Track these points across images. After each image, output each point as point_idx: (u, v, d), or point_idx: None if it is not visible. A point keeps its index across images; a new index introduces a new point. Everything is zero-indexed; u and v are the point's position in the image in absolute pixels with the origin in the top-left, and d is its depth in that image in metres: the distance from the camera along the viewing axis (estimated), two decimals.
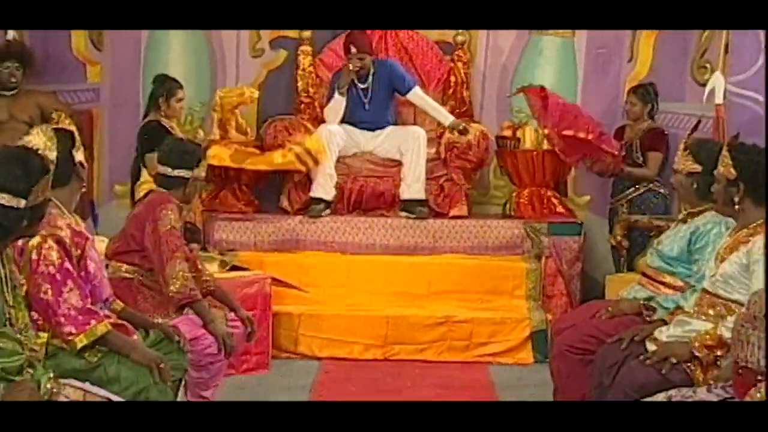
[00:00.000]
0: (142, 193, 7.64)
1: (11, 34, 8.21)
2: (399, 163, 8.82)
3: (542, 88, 8.71)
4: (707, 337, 4.61)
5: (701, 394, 4.27)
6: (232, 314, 5.82)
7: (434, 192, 8.85)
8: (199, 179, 5.84)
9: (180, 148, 6.03)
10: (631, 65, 9.29)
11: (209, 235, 8.53)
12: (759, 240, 4.59)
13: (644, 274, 5.75)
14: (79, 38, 9.03)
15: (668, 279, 5.53)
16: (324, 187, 8.70)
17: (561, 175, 9.07)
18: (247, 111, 9.32)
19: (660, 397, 4.38)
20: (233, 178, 8.74)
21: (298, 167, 8.58)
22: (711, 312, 4.78)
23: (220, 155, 8.23)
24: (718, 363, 4.55)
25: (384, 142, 8.90)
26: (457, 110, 9.34)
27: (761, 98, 7.06)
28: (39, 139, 3.88)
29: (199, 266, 5.95)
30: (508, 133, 9.18)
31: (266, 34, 9.63)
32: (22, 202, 3.68)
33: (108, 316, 4.66)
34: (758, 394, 3.66)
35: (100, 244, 5.79)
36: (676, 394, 4.35)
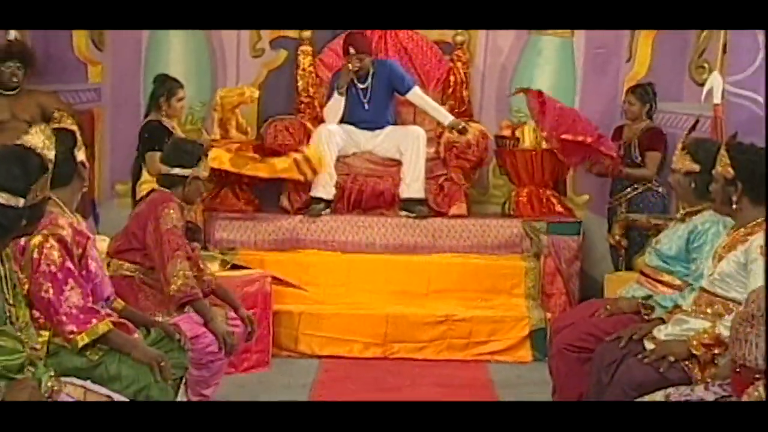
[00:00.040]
0: (142, 193, 7.66)
1: (13, 34, 8.19)
2: (398, 163, 8.83)
3: (540, 93, 8.73)
4: (705, 335, 4.63)
5: (699, 392, 4.26)
6: (233, 313, 5.84)
7: (434, 191, 8.86)
8: (199, 178, 5.84)
9: (179, 147, 6.07)
10: (629, 65, 9.30)
11: (210, 234, 8.54)
12: (757, 239, 4.61)
13: (643, 273, 5.76)
14: (80, 38, 9.04)
15: (666, 278, 5.55)
16: (324, 187, 8.71)
17: (560, 174, 9.08)
18: (248, 111, 9.33)
19: (658, 395, 4.37)
20: (234, 177, 8.73)
21: (297, 176, 8.59)
22: (709, 310, 4.80)
23: (220, 158, 8.23)
24: (716, 361, 4.57)
25: (384, 141, 8.91)
26: (457, 110, 9.36)
27: (759, 98, 7.04)
28: (38, 138, 3.87)
29: (201, 265, 5.97)
30: (507, 132, 9.20)
31: (266, 34, 9.66)
32: (21, 201, 3.69)
33: (109, 315, 4.65)
34: (756, 393, 3.66)
35: (101, 243, 5.83)
36: (674, 393, 4.34)
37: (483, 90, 9.78)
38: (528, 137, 9.02)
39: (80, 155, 4.68)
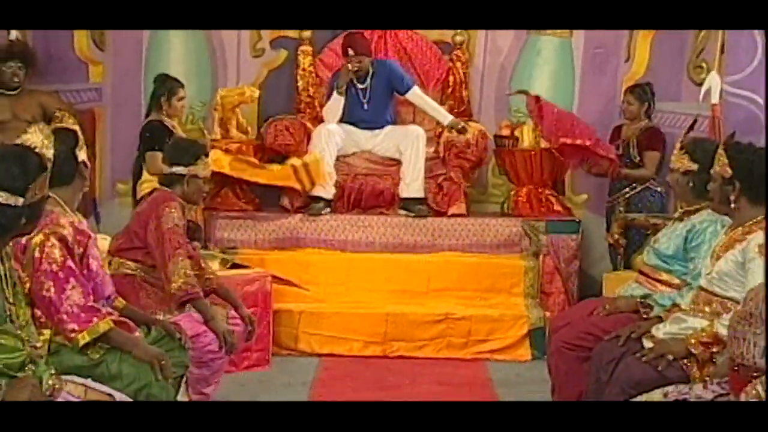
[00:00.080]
0: (143, 192, 7.70)
1: (14, 34, 8.21)
2: (398, 162, 8.85)
3: (537, 98, 8.77)
4: (703, 334, 4.65)
5: (697, 391, 4.26)
6: (233, 312, 5.84)
7: (433, 190, 8.87)
8: (197, 176, 5.84)
9: (178, 145, 6.10)
10: (628, 65, 9.31)
11: (210, 233, 8.55)
12: (755, 238, 4.62)
13: (641, 272, 5.77)
14: (81, 38, 9.05)
15: (665, 277, 5.55)
16: (324, 186, 8.72)
17: (559, 173, 9.08)
18: (248, 110, 9.34)
19: (656, 393, 4.37)
20: (234, 177, 8.73)
21: (295, 185, 8.61)
22: (707, 309, 4.81)
23: (220, 161, 8.23)
24: (714, 360, 4.58)
25: (383, 141, 8.93)
26: (456, 110, 9.37)
27: (757, 98, 7.06)
28: (36, 137, 3.87)
29: (202, 264, 5.98)
30: (506, 132, 9.21)
31: (267, 34, 9.68)
32: (20, 200, 3.68)
33: (110, 314, 4.66)
34: (754, 391, 3.65)
35: (102, 241, 5.82)
36: (672, 391, 4.33)
37: (482, 90, 9.79)
38: (527, 137, 9.02)
39: (82, 155, 4.68)
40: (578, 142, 8.37)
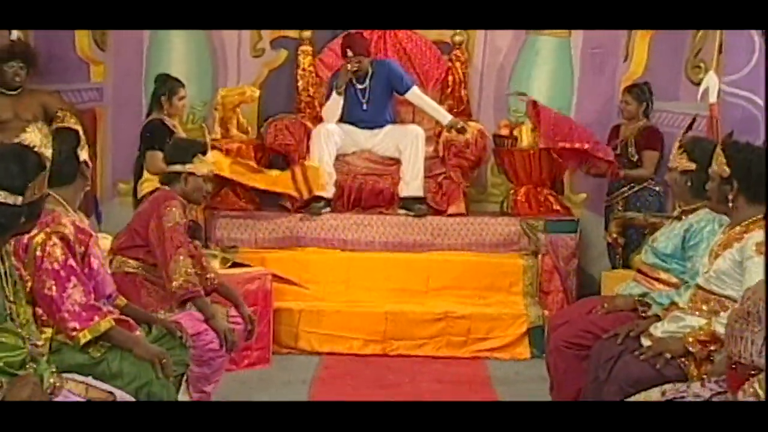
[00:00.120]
0: (144, 191, 7.72)
1: (15, 34, 8.22)
2: (398, 162, 8.86)
3: (534, 102, 8.80)
4: (701, 332, 4.66)
5: (695, 389, 4.27)
6: (233, 311, 5.85)
7: (432, 190, 8.89)
8: (195, 174, 5.85)
9: (176, 144, 6.14)
10: (626, 65, 9.32)
11: (211, 232, 8.56)
12: (752, 237, 4.63)
13: (639, 271, 5.77)
14: (82, 38, 9.05)
15: (663, 275, 5.55)
16: (324, 186, 8.75)
17: (557, 173, 9.08)
18: (248, 110, 9.36)
19: (654, 391, 4.38)
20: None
21: (292, 192, 8.64)
22: (705, 308, 4.82)
23: (220, 163, 8.21)
24: (712, 358, 4.59)
25: (383, 140, 8.94)
26: (455, 109, 9.39)
27: (755, 97, 7.08)
28: (35, 136, 3.84)
29: (204, 263, 5.98)
30: (505, 131, 9.21)
31: (267, 34, 9.69)
32: (19, 199, 3.68)
33: (111, 312, 4.66)
34: (751, 389, 3.65)
35: (104, 241, 5.83)
36: (670, 389, 4.35)
37: (481, 89, 9.80)
38: (526, 136, 9.02)
39: (83, 154, 4.69)
40: (577, 145, 8.40)
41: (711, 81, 7.39)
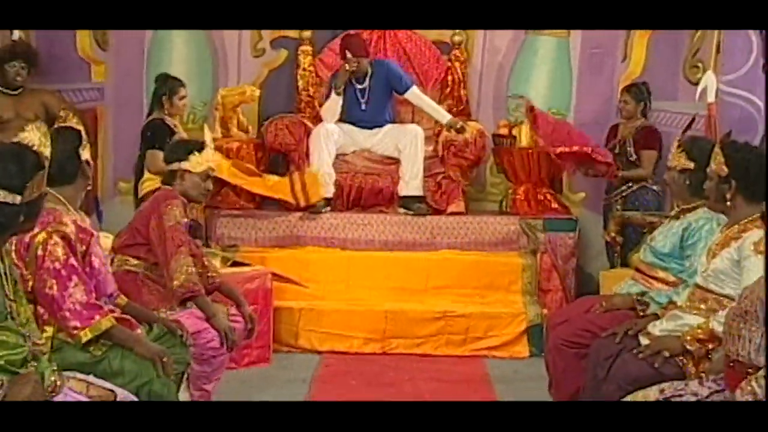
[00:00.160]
0: (144, 190, 7.73)
1: (17, 34, 8.24)
2: (397, 161, 8.88)
3: (532, 108, 8.84)
4: (699, 331, 4.66)
5: (693, 387, 4.24)
6: (233, 309, 5.84)
7: (432, 189, 8.91)
8: (190, 172, 5.83)
9: (173, 144, 6.16)
10: (624, 65, 9.34)
11: (211, 231, 8.58)
12: (750, 236, 4.64)
13: (638, 270, 5.77)
14: (83, 38, 9.08)
15: (661, 274, 5.55)
16: (323, 185, 8.77)
17: (556, 172, 9.10)
18: (249, 109, 9.38)
19: (653, 389, 4.34)
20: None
21: (289, 199, 8.66)
22: (703, 306, 4.82)
23: (220, 167, 8.22)
24: (710, 356, 4.60)
25: (382, 139, 8.96)
26: (455, 109, 9.41)
27: (752, 97, 7.11)
28: (34, 136, 3.83)
29: (206, 262, 5.98)
30: (504, 131, 9.24)
31: (267, 34, 9.71)
32: (18, 198, 3.68)
33: (112, 311, 4.66)
34: (749, 387, 3.65)
35: (105, 240, 5.82)
36: (668, 387, 4.31)
37: (480, 89, 9.82)
38: (525, 136, 9.04)
39: (85, 154, 4.69)
40: (576, 149, 8.42)
41: (709, 81, 7.41)
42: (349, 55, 8.76)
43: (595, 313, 5.59)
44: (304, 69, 9.52)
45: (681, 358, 4.71)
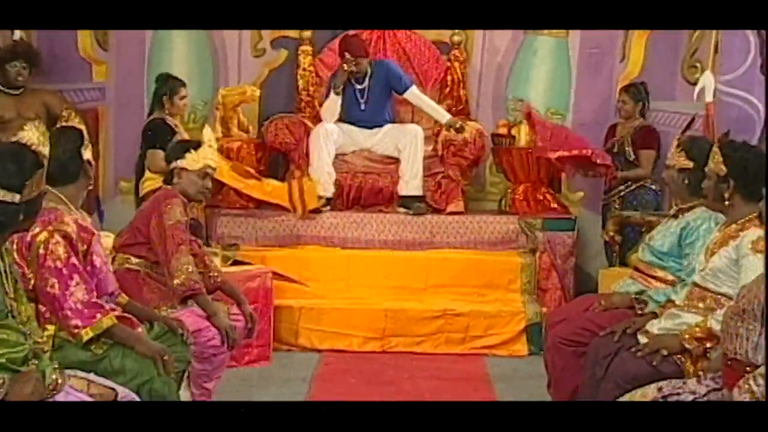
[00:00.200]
0: (145, 190, 7.75)
1: (18, 34, 8.25)
2: (397, 161, 8.90)
3: (529, 114, 8.87)
4: (697, 329, 4.67)
5: (691, 385, 4.25)
6: (234, 308, 5.86)
7: (431, 188, 8.93)
8: (187, 170, 5.85)
9: (173, 143, 6.18)
10: (623, 65, 9.36)
11: (212, 230, 8.60)
12: (748, 235, 4.65)
13: (636, 269, 5.79)
14: (85, 38, 9.09)
15: (659, 273, 5.57)
16: (323, 185, 8.78)
17: (555, 172, 9.12)
18: (249, 109, 9.40)
19: (651, 388, 4.34)
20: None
21: (286, 205, 8.67)
22: (701, 305, 4.84)
23: (219, 169, 8.23)
24: (708, 355, 4.61)
25: (382, 139, 8.97)
26: (454, 108, 9.42)
27: (750, 97, 7.12)
28: (32, 135, 3.85)
29: (207, 262, 6.01)
30: (503, 131, 9.25)
31: (267, 34, 9.73)
32: (17, 197, 3.69)
33: (113, 310, 4.66)
34: (746, 385, 3.66)
35: (106, 239, 5.83)
36: (666, 386, 4.32)
37: (480, 89, 9.83)
38: (524, 136, 9.06)
39: (87, 153, 4.70)
40: (575, 152, 8.45)
41: (707, 81, 7.42)
42: (348, 55, 8.77)
43: (593, 312, 5.61)
44: (304, 69, 9.52)
45: (679, 356, 4.71)
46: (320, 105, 9.21)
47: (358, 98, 8.94)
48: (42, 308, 4.50)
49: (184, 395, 5.36)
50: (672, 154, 5.50)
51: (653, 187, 8.26)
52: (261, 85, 9.56)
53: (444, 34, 9.67)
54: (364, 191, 8.92)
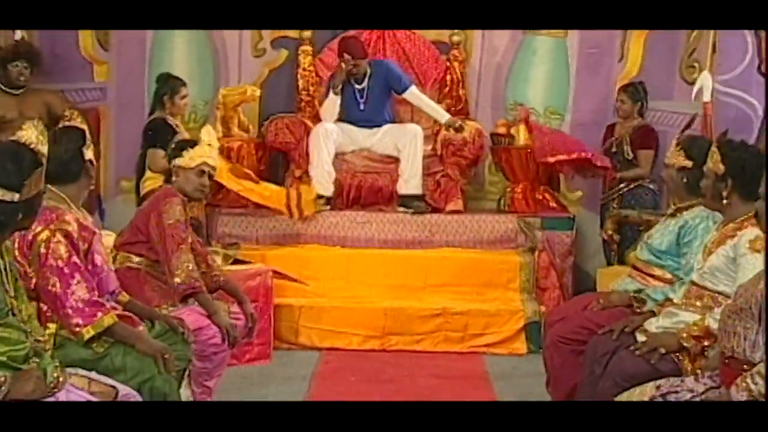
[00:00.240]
0: (146, 189, 7.77)
1: (19, 34, 8.25)
2: (396, 160, 8.90)
3: (527, 119, 8.90)
4: (695, 328, 4.67)
5: (689, 384, 4.27)
6: (234, 307, 5.86)
7: (431, 187, 8.94)
8: (184, 168, 5.86)
9: (173, 144, 6.20)
10: (621, 64, 9.37)
11: (212, 229, 8.60)
12: (745, 234, 4.65)
13: (634, 267, 5.78)
14: (86, 38, 9.11)
15: (657, 272, 5.58)
16: (323, 184, 8.79)
17: (554, 171, 9.13)
18: (249, 109, 9.40)
19: (649, 386, 4.37)
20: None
21: (283, 210, 8.67)
22: (698, 304, 4.84)
23: (219, 170, 8.25)
24: (706, 353, 4.61)
25: (382, 139, 8.97)
26: (453, 108, 9.42)
27: (747, 96, 7.14)
28: (31, 134, 3.82)
29: (210, 261, 6.02)
30: (502, 130, 9.25)
31: (268, 34, 9.73)
32: (16, 196, 3.69)
33: (114, 308, 4.68)
34: (744, 383, 3.69)
35: (107, 238, 5.83)
36: (664, 384, 4.34)
37: (479, 89, 9.83)
38: (523, 135, 9.05)
39: (88, 153, 4.70)
40: (574, 156, 8.47)
41: (705, 80, 7.44)
42: (347, 56, 8.79)
43: (592, 311, 5.62)
44: (304, 69, 9.52)
45: (677, 354, 4.71)
46: (320, 105, 9.21)
47: (357, 98, 8.95)
48: (43, 307, 4.49)
49: (185, 393, 5.38)
50: (671, 153, 5.51)
51: (651, 186, 8.28)
52: (261, 85, 9.56)
53: (443, 34, 9.67)
54: (364, 190, 8.93)
